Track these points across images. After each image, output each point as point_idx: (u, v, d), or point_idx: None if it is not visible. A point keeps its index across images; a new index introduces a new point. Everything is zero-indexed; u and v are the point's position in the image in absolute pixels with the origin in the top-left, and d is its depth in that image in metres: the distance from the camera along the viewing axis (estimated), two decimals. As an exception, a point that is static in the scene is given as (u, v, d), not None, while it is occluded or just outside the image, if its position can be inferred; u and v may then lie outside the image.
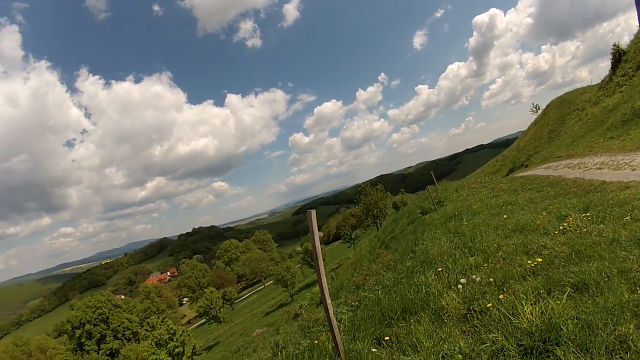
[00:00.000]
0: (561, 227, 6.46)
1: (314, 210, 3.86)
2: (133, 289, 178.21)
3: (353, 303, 6.86)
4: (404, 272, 7.09)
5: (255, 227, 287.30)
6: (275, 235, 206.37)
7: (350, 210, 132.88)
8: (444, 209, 15.00)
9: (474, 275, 5.17)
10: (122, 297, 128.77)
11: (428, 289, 5.31)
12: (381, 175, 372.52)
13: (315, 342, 5.18)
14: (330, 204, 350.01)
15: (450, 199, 17.77)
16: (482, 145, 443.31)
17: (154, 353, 34.46)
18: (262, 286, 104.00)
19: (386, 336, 4.42)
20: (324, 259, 4.05)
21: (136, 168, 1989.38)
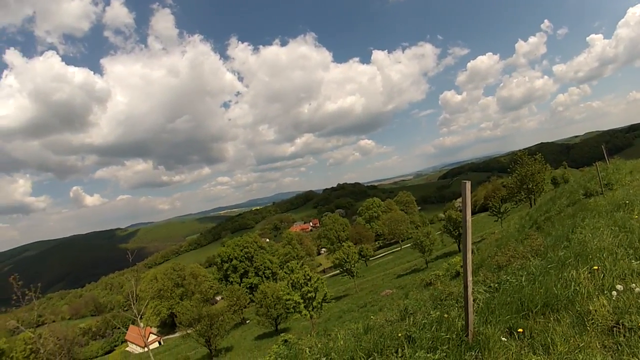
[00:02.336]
0: None
1: (469, 182, 3.78)
2: (277, 235, 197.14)
3: (492, 284, 6.56)
4: (554, 261, 6.37)
5: (399, 188, 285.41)
6: (419, 198, 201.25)
7: (502, 180, 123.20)
8: (613, 194, 12.97)
9: (633, 284, 4.54)
10: (267, 240, 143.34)
11: (577, 288, 4.81)
12: (541, 143, 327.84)
13: (446, 315, 5.15)
14: (480, 170, 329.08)
15: (622, 183, 15.16)
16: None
17: (288, 293, 38.25)
18: (399, 248, 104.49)
19: (520, 328, 4.27)
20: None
21: (286, 125, 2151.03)
